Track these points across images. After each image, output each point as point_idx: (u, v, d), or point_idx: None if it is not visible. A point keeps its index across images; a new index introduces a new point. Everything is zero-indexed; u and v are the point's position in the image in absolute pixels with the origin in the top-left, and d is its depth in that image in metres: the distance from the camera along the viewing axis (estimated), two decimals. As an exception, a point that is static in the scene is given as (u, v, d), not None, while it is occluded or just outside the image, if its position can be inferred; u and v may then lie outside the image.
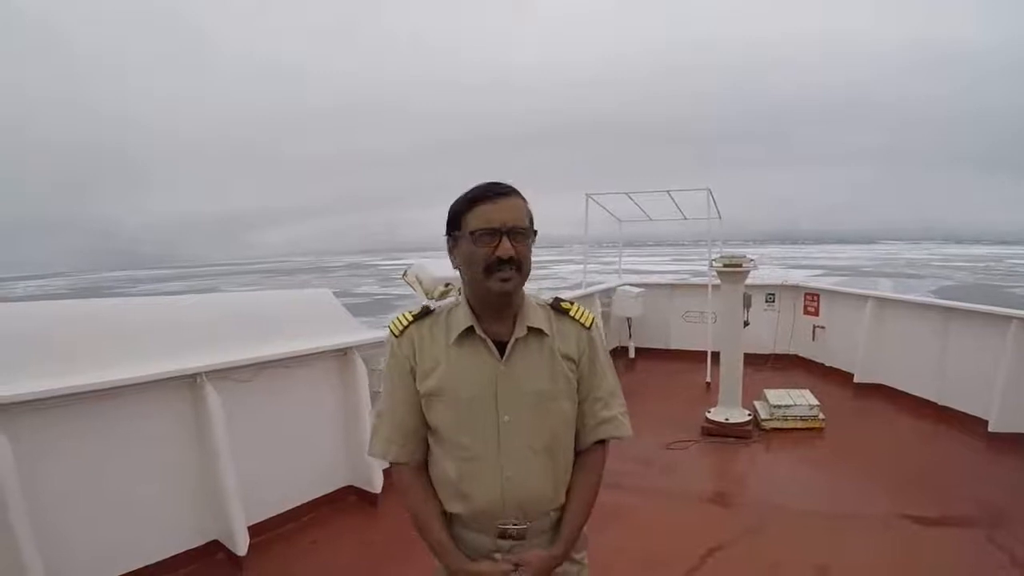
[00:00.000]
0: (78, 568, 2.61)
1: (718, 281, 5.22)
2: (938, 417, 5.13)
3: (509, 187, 1.30)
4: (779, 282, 7.64)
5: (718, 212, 6.93)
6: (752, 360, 5.97)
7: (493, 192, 1.28)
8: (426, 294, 4.59)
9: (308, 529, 3.44)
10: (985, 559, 2.97)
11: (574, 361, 1.39)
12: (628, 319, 7.64)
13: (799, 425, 4.91)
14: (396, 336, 1.39)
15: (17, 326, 2.72)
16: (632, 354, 7.69)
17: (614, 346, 7.88)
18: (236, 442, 3.08)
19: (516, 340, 1.33)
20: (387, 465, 1.40)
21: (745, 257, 4.91)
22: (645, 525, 3.46)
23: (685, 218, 7.67)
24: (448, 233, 1.34)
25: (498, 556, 1.34)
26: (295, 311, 3.88)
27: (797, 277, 8.36)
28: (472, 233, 1.26)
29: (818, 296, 7.15)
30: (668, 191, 7.10)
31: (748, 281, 5.12)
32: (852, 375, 6.19)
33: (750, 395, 5.20)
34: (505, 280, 1.26)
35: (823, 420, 4.94)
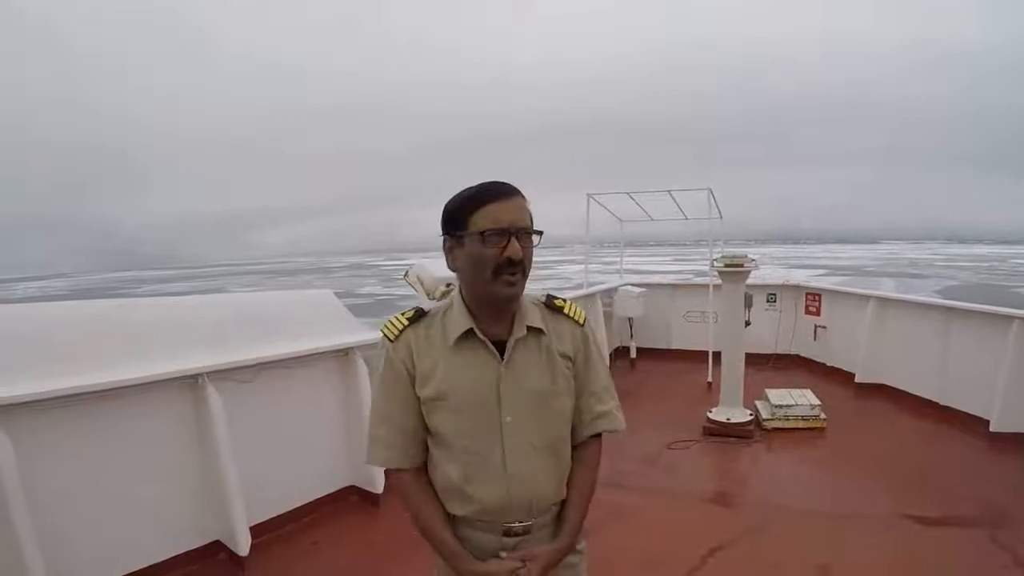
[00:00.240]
0: (80, 568, 2.61)
1: (719, 281, 5.22)
2: (940, 417, 5.13)
3: (514, 187, 1.29)
4: (780, 282, 7.63)
5: (719, 212, 6.93)
6: (753, 360, 5.97)
7: (501, 192, 1.26)
8: (427, 294, 4.59)
9: (310, 529, 3.44)
10: (987, 559, 2.97)
11: (571, 359, 1.40)
12: (629, 319, 7.64)
13: (800, 425, 4.91)
14: (392, 341, 1.36)
15: (18, 327, 2.72)
16: (634, 354, 7.69)
17: (615, 346, 7.88)
18: (238, 442, 3.08)
19: (516, 340, 1.33)
20: (371, 465, 1.39)
21: (746, 257, 4.91)
22: (646, 524, 3.46)
23: (686, 218, 7.68)
24: (447, 233, 1.31)
25: (504, 554, 1.34)
26: (296, 311, 3.88)
27: (799, 277, 8.36)
28: (482, 233, 1.23)
29: (819, 296, 7.15)
30: (669, 191, 7.10)
31: (749, 281, 5.12)
32: (853, 375, 6.18)
33: (751, 395, 5.19)
34: (511, 283, 1.26)
35: (824, 420, 4.94)
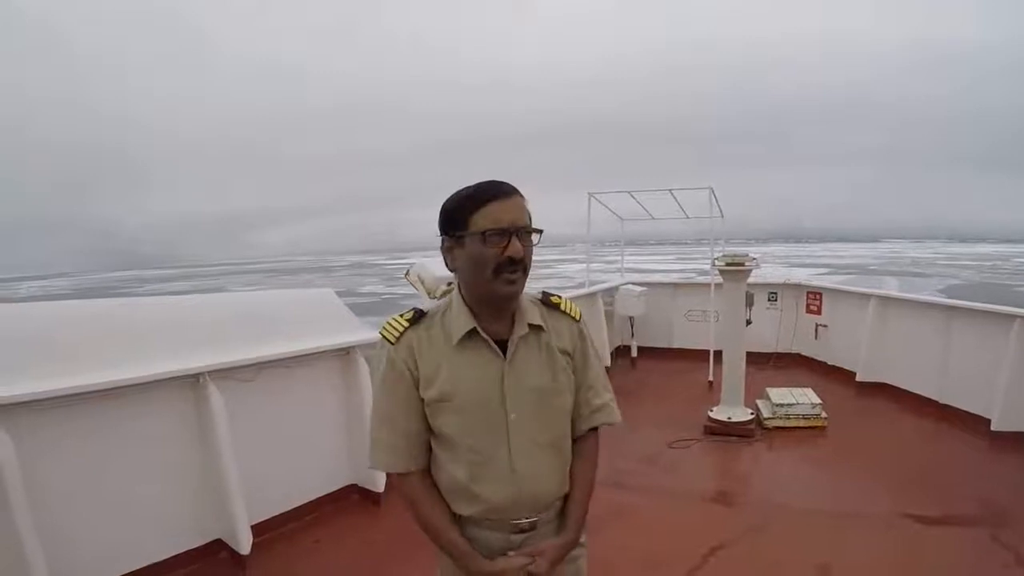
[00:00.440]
0: (81, 567, 2.62)
1: (720, 280, 5.22)
2: (941, 416, 5.12)
3: (512, 186, 1.29)
4: (781, 281, 7.63)
5: (720, 211, 6.93)
6: (754, 359, 5.97)
7: (500, 192, 1.26)
8: (428, 293, 4.60)
9: (311, 528, 3.45)
10: (988, 558, 2.96)
11: (569, 355, 1.42)
12: (631, 318, 7.63)
13: (801, 424, 4.91)
14: (392, 343, 1.35)
15: (19, 327, 2.73)
16: (634, 353, 7.69)
17: (617, 345, 7.88)
18: (239, 441, 3.09)
19: (518, 338, 1.34)
20: (375, 469, 1.37)
21: (747, 256, 4.91)
22: (647, 524, 3.46)
23: (687, 217, 7.67)
24: (446, 233, 1.31)
25: (512, 553, 1.35)
26: (297, 311, 3.88)
27: (801, 276, 8.35)
28: (483, 233, 1.23)
29: (820, 295, 7.14)
30: (670, 190, 7.10)
31: (750, 280, 5.12)
32: (855, 374, 6.18)
33: (752, 394, 5.19)
34: (512, 282, 1.26)
35: (825, 419, 4.94)
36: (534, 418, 1.34)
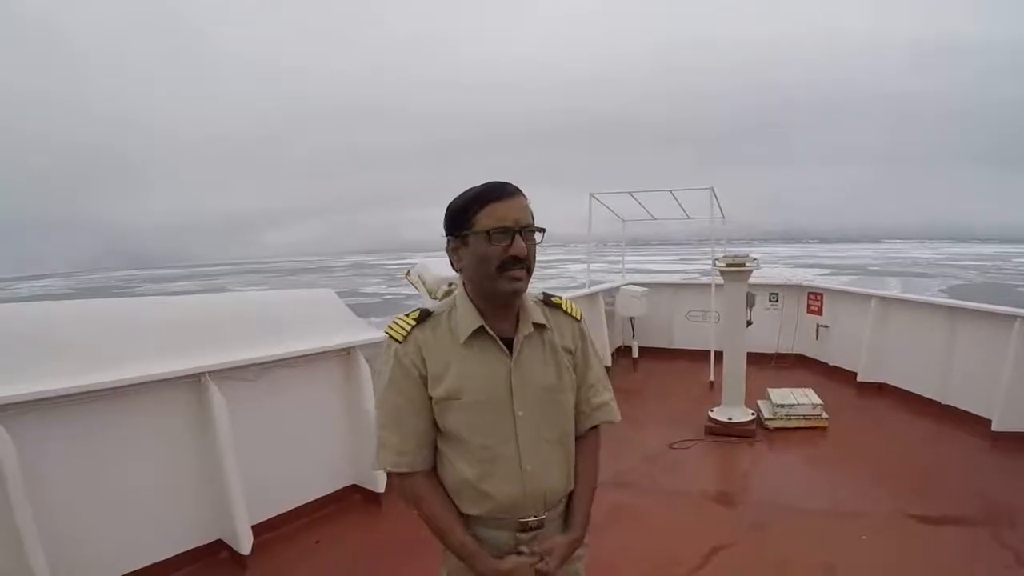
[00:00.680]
0: (83, 567, 2.62)
1: (721, 280, 5.22)
2: (941, 416, 5.12)
3: (515, 186, 1.31)
4: (782, 281, 7.63)
5: (721, 211, 6.93)
6: (755, 359, 5.96)
7: (504, 192, 1.29)
8: (429, 294, 4.60)
9: (312, 528, 3.45)
10: (989, 558, 2.96)
11: (572, 353, 1.45)
12: (631, 319, 7.64)
13: (802, 424, 4.91)
14: (399, 342, 1.35)
15: (21, 326, 2.73)
16: (635, 353, 7.68)
17: (618, 345, 7.88)
18: (240, 441, 3.09)
19: (524, 336, 1.36)
20: (382, 470, 1.37)
21: (748, 256, 4.91)
22: (649, 524, 3.46)
23: (688, 217, 7.67)
24: (451, 233, 1.33)
25: (524, 549, 1.35)
26: (298, 311, 3.89)
27: (803, 276, 8.34)
28: (487, 232, 1.26)
29: (821, 295, 7.14)
30: (671, 190, 7.10)
31: (751, 280, 5.12)
32: (855, 374, 6.17)
33: (753, 394, 5.19)
34: (517, 280, 1.28)
35: (826, 419, 4.94)
36: (541, 415, 1.36)
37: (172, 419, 2.97)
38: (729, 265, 4.87)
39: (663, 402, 5.95)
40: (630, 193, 7.33)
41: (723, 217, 7.07)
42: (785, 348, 7.29)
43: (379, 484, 3.70)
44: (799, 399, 5.04)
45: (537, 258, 1.34)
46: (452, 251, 1.35)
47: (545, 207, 1.37)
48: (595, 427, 1.51)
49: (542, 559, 1.32)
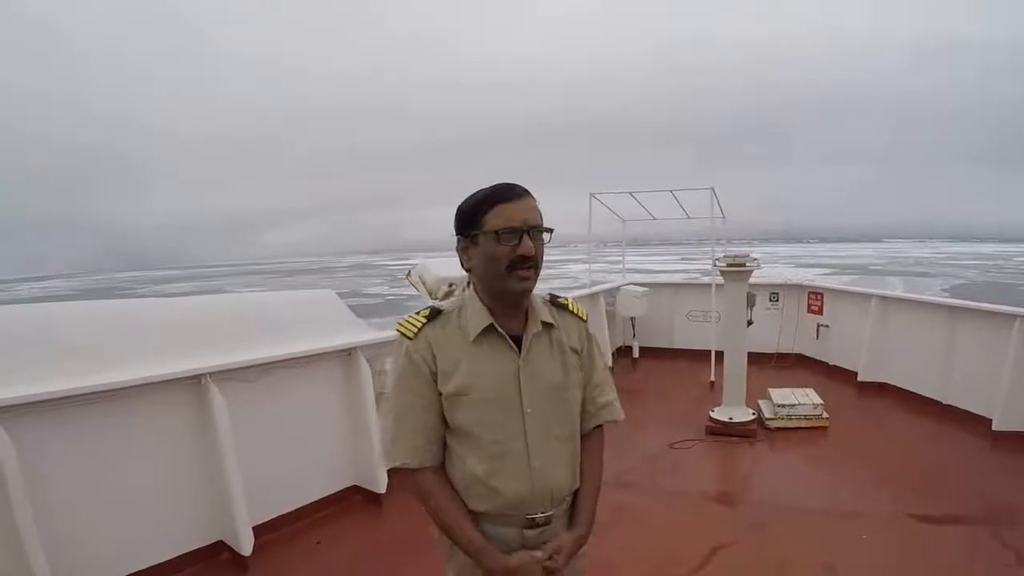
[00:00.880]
0: (83, 568, 2.62)
1: (722, 280, 5.22)
2: (942, 416, 5.12)
3: (524, 188, 1.35)
4: (783, 281, 7.63)
5: (721, 211, 6.93)
6: (756, 359, 5.96)
7: (513, 193, 1.32)
8: (430, 294, 4.61)
9: (313, 529, 3.45)
10: (990, 557, 2.96)
11: (578, 353, 1.47)
12: (632, 319, 7.64)
13: (803, 424, 4.91)
14: (410, 339, 1.37)
15: (21, 328, 2.74)
16: (636, 353, 7.69)
17: (618, 345, 7.88)
18: (241, 442, 3.09)
19: (532, 335, 1.39)
20: (393, 465, 1.38)
21: (748, 256, 4.91)
22: (650, 524, 3.46)
23: (688, 217, 7.67)
24: (461, 233, 1.36)
25: (537, 552, 1.36)
26: (299, 312, 3.89)
27: (804, 276, 8.34)
28: (496, 232, 1.29)
29: (822, 295, 7.14)
30: (671, 190, 7.10)
31: (752, 280, 5.12)
32: (856, 374, 6.17)
33: (754, 394, 5.19)
34: (524, 279, 1.31)
35: (827, 419, 4.94)
36: (551, 412, 1.39)
37: (173, 420, 2.97)
38: (729, 265, 4.87)
39: (664, 402, 5.95)
40: (630, 193, 7.32)
41: (723, 217, 7.07)
42: (786, 348, 7.29)
43: (380, 485, 3.70)
44: (800, 399, 5.04)
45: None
46: (462, 251, 1.38)
47: (545, 207, 1.39)
48: (599, 426, 1.54)
49: (551, 556, 1.34)
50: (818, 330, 7.05)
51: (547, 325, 1.42)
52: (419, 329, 1.38)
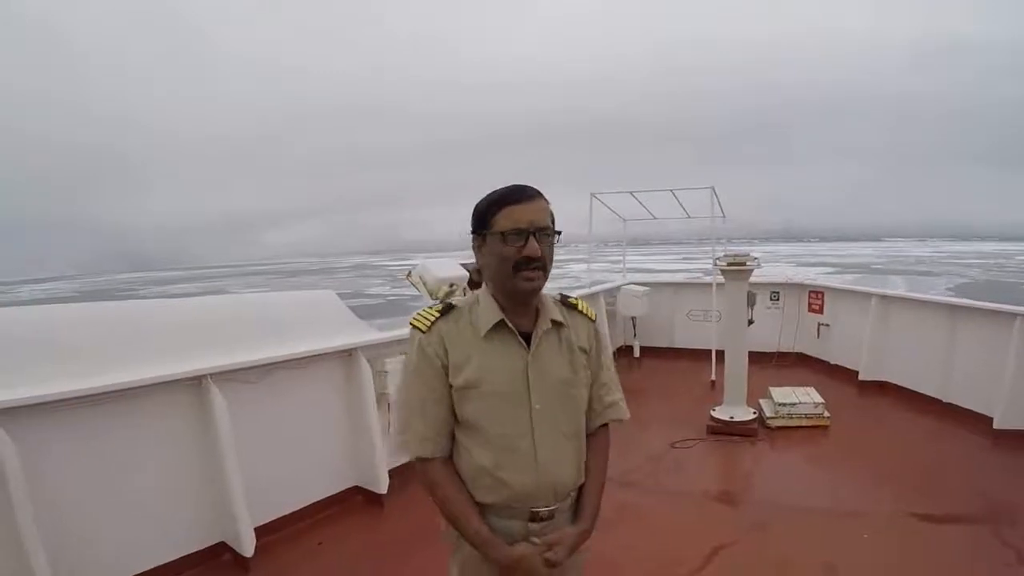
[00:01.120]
0: (84, 570, 2.62)
1: (722, 280, 5.22)
2: (943, 414, 5.12)
3: (535, 190, 1.38)
4: (783, 280, 7.63)
5: (721, 210, 6.93)
6: (757, 358, 5.96)
7: (521, 194, 1.36)
8: (430, 294, 4.60)
9: (314, 530, 3.45)
10: (991, 556, 2.96)
11: (586, 352, 1.50)
12: (632, 318, 7.64)
13: (804, 423, 4.91)
14: (424, 332, 1.41)
15: (22, 329, 2.74)
16: (637, 353, 7.69)
17: (619, 345, 7.88)
18: (242, 443, 3.09)
19: (542, 332, 1.42)
20: (393, 465, 1.41)
21: (749, 255, 4.91)
22: (652, 523, 3.47)
23: (689, 217, 7.67)
24: (475, 232, 1.41)
25: (536, 540, 1.39)
26: (299, 312, 3.89)
27: (805, 275, 8.34)
28: (502, 233, 1.33)
29: (822, 294, 7.14)
30: (672, 190, 7.10)
31: (752, 279, 5.12)
32: (857, 373, 6.17)
33: (755, 393, 5.18)
34: (531, 279, 1.35)
35: (828, 418, 4.93)
36: (557, 409, 1.42)
37: (173, 421, 2.97)
38: (730, 264, 4.87)
39: (665, 401, 5.95)
40: (631, 193, 7.33)
41: (723, 216, 7.07)
42: (786, 347, 7.29)
43: (381, 485, 3.70)
44: (801, 398, 5.04)
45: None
46: (476, 248, 1.43)
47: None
48: (605, 425, 1.57)
49: (551, 548, 1.36)
50: (819, 329, 7.05)
51: (557, 323, 1.45)
52: (432, 323, 1.42)
